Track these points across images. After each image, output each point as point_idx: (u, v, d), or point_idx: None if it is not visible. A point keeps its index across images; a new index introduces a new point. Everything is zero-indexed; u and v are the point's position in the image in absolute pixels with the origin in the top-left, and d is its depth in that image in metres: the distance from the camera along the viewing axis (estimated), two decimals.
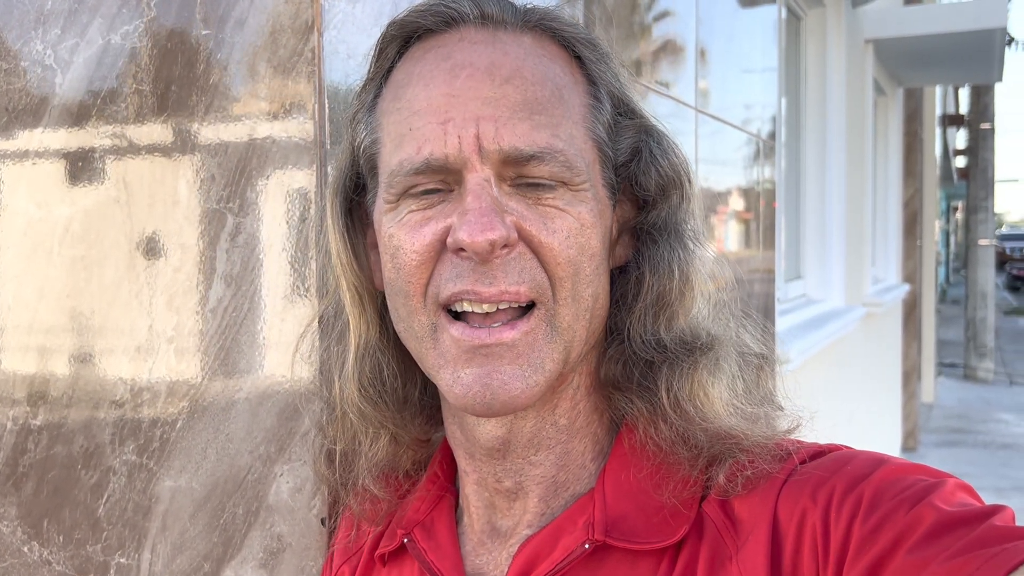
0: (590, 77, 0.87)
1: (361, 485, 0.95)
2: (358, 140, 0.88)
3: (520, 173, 0.80)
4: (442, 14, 0.84)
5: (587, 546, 0.83)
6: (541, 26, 0.86)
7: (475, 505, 0.92)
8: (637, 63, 2.02)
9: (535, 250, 0.80)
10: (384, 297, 0.89)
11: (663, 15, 2.23)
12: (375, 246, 0.90)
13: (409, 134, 0.81)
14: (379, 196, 0.85)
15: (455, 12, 0.84)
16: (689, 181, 0.90)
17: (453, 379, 0.81)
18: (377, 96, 0.87)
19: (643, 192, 0.89)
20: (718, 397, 0.86)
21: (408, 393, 0.95)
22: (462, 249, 0.78)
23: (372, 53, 0.89)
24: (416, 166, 0.80)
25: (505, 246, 0.79)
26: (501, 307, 0.80)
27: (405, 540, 0.93)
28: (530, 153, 0.79)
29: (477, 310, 0.80)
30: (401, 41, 0.87)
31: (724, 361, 0.88)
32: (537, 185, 0.81)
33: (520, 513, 0.89)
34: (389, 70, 0.87)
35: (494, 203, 0.78)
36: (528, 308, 0.82)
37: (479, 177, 0.79)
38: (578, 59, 0.87)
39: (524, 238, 0.80)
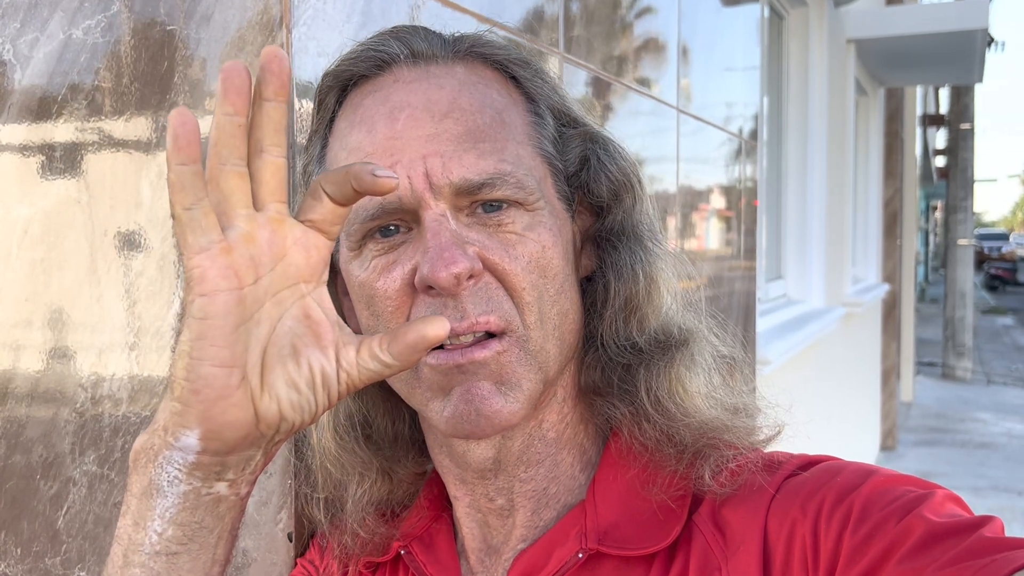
0: (528, 94, 0.88)
1: (356, 525, 0.95)
2: None
3: (474, 200, 0.81)
4: (373, 58, 0.85)
5: (580, 555, 0.83)
6: (471, 54, 0.87)
7: (467, 527, 0.92)
8: (619, 61, 1.99)
9: (500, 277, 0.81)
10: None
11: (644, 13, 2.21)
12: (346, 293, 0.90)
13: None
14: (341, 244, 0.86)
15: (385, 55, 0.85)
16: (639, 182, 0.91)
17: (442, 407, 0.81)
18: (324, 147, 0.88)
19: (596, 199, 0.90)
20: (696, 391, 0.87)
21: (398, 430, 0.96)
22: (431, 287, 0.78)
23: (312, 106, 0.90)
24: (371, 212, 0.80)
25: (471, 277, 0.79)
26: (477, 336, 0.80)
27: (402, 552, 0.93)
28: (480, 182, 0.80)
29: (455, 343, 0.80)
30: (338, 90, 0.87)
31: (699, 355, 0.89)
32: (495, 208, 0.81)
33: (511, 528, 0.89)
34: (331, 120, 0.88)
35: (454, 237, 0.79)
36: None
37: (435, 213, 0.79)
38: (513, 79, 0.88)
39: (488, 267, 0.81)
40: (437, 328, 0.68)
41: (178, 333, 0.67)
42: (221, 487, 0.70)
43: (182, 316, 0.65)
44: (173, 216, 0.63)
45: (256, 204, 0.67)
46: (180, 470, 0.68)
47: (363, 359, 0.70)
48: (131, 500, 0.71)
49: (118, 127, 1.09)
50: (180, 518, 0.69)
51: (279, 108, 0.65)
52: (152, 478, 0.69)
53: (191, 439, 0.67)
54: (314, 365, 0.69)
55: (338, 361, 0.70)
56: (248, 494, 0.73)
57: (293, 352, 0.69)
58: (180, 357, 0.66)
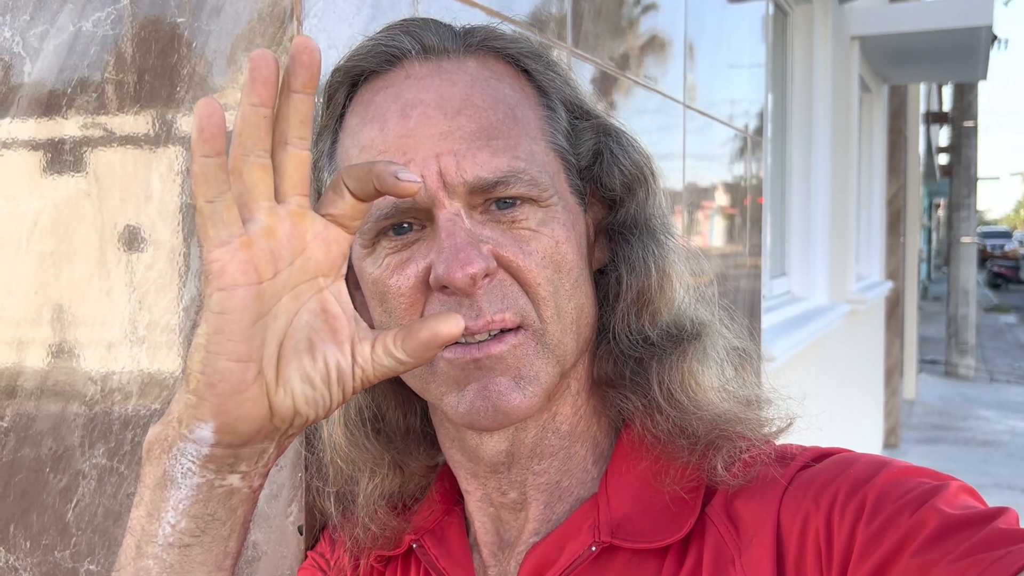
0: (540, 88, 0.88)
1: (367, 519, 0.95)
2: (324, 188, 0.88)
3: (488, 198, 0.80)
4: (383, 54, 0.84)
5: (594, 548, 0.83)
6: (483, 47, 0.86)
7: (480, 521, 0.92)
8: (624, 57, 1.98)
9: (514, 274, 0.81)
10: None
11: (650, 9, 2.20)
12: (358, 288, 0.89)
13: None
14: (355, 241, 0.85)
15: (396, 50, 0.84)
16: (653, 175, 0.91)
17: (458, 400, 0.81)
18: (335, 142, 0.87)
19: (609, 192, 0.90)
20: (709, 385, 0.87)
21: (410, 423, 0.96)
22: (445, 286, 0.78)
23: (322, 101, 0.89)
24: (385, 211, 0.80)
25: (486, 275, 0.78)
26: (492, 334, 0.80)
27: (414, 545, 0.93)
28: (494, 180, 0.79)
29: (471, 341, 0.80)
30: (349, 86, 0.86)
31: (711, 349, 0.89)
32: (508, 204, 0.81)
33: (523, 521, 0.89)
34: (342, 115, 0.87)
35: (468, 236, 0.78)
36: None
37: (449, 212, 0.79)
38: (525, 72, 0.88)
39: (503, 264, 0.80)
40: (451, 326, 0.67)
41: (195, 325, 0.66)
42: (234, 479, 0.70)
43: (199, 309, 0.65)
44: (195, 207, 0.63)
45: (278, 196, 0.66)
46: (194, 462, 0.68)
47: (377, 355, 0.69)
48: (144, 491, 0.71)
49: (128, 120, 1.09)
50: (193, 510, 0.69)
51: (307, 100, 0.64)
52: (166, 469, 0.69)
53: (205, 432, 0.67)
54: (330, 360, 0.69)
55: (353, 357, 0.70)
56: (260, 487, 0.73)
57: (309, 347, 0.68)
58: (196, 350, 0.65)
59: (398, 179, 0.65)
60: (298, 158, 0.66)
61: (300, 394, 0.68)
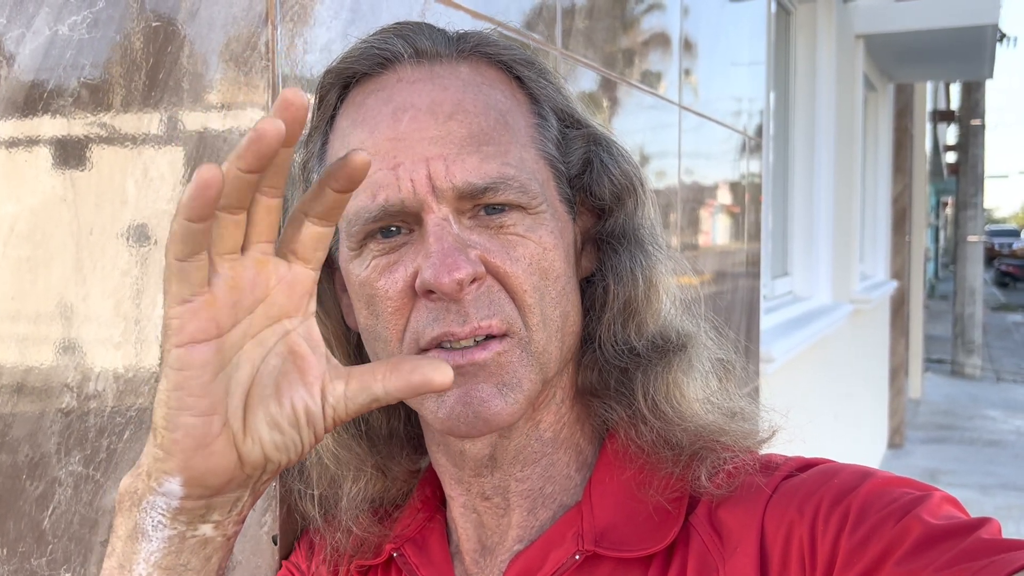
0: (532, 96, 0.87)
1: (350, 523, 0.94)
2: None
3: (477, 204, 0.80)
4: (375, 57, 0.84)
5: (577, 557, 0.83)
6: (476, 53, 0.86)
7: (463, 527, 0.91)
8: (621, 56, 1.97)
9: (501, 280, 0.80)
10: (358, 336, 0.90)
11: (648, 7, 2.19)
12: (344, 289, 0.89)
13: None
14: (342, 243, 0.85)
15: (389, 53, 0.83)
16: (642, 185, 0.90)
17: (437, 405, 0.81)
18: (325, 143, 0.86)
19: (598, 202, 0.89)
20: (694, 396, 0.87)
21: (393, 427, 0.96)
22: (432, 291, 0.77)
23: (313, 102, 0.88)
24: (373, 214, 0.79)
25: (474, 281, 0.78)
26: (478, 340, 0.79)
27: (394, 554, 0.92)
28: (483, 185, 0.79)
29: (455, 347, 0.80)
30: (340, 88, 0.86)
31: (696, 360, 0.89)
32: (497, 210, 0.80)
33: (507, 528, 0.89)
34: (332, 117, 0.86)
35: (456, 241, 0.78)
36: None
37: (437, 217, 0.78)
38: (518, 79, 0.87)
39: (490, 270, 0.80)
40: (444, 376, 0.66)
41: (156, 379, 0.65)
42: (207, 529, 0.69)
43: (160, 363, 0.64)
44: (165, 261, 0.61)
45: (244, 244, 0.65)
46: (164, 515, 0.68)
47: (352, 392, 0.68)
48: (117, 543, 0.70)
49: (104, 124, 1.08)
50: (165, 562, 0.69)
51: (287, 153, 0.62)
52: (137, 522, 0.68)
53: (174, 485, 0.66)
54: (297, 404, 0.67)
55: (324, 396, 0.68)
56: (236, 534, 0.72)
57: (275, 391, 0.67)
58: (159, 406, 0.64)
59: (353, 163, 0.62)
60: (267, 207, 0.64)
61: (269, 441, 0.67)
